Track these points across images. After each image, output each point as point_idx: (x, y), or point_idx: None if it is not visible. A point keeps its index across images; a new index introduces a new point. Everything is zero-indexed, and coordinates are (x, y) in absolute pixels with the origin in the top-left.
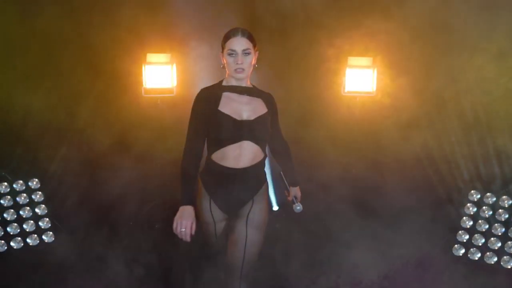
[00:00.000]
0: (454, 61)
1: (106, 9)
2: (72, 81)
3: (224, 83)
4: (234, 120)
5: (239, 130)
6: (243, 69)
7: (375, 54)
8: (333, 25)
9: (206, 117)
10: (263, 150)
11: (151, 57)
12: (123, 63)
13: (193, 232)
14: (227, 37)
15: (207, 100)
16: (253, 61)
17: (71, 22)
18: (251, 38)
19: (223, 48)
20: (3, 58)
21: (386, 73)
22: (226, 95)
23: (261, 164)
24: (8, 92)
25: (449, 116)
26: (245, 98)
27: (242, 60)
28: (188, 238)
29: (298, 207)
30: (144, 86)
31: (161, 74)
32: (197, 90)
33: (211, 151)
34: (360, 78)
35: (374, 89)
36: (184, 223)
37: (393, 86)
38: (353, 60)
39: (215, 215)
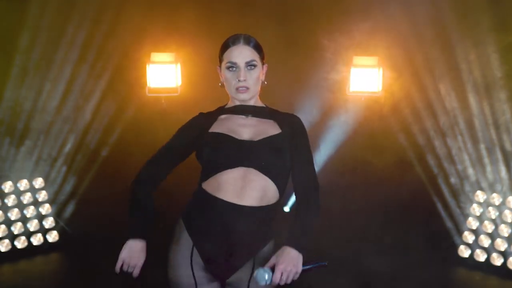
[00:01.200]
0: (460, 58)
1: (110, 8)
2: (76, 80)
3: (226, 106)
4: (231, 138)
5: (238, 151)
6: (247, 88)
7: (377, 51)
8: (337, 23)
9: (190, 144)
10: (279, 187)
11: (155, 56)
12: (127, 62)
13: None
14: (225, 46)
15: (199, 125)
16: (261, 77)
17: (74, 20)
18: (257, 47)
19: (220, 61)
20: (6, 57)
21: (392, 72)
22: (223, 117)
23: (275, 207)
24: (11, 91)
25: (455, 115)
26: (249, 120)
27: (245, 76)
28: (136, 275)
29: (262, 274)
30: (148, 85)
31: (165, 73)
32: (202, 90)
33: (203, 178)
34: (365, 77)
35: (380, 88)
36: (132, 263)
37: (398, 85)
38: (358, 60)
39: (198, 273)
